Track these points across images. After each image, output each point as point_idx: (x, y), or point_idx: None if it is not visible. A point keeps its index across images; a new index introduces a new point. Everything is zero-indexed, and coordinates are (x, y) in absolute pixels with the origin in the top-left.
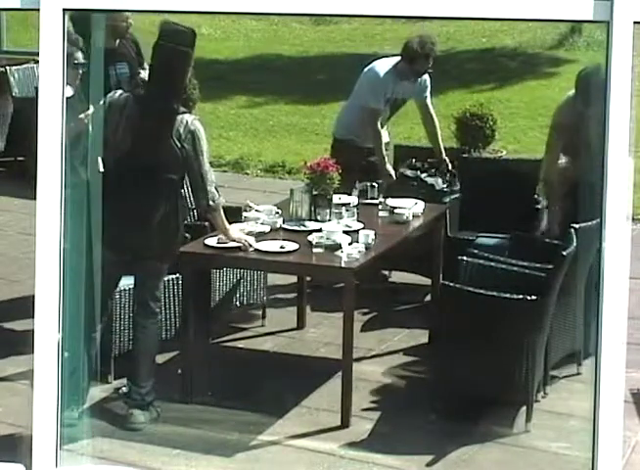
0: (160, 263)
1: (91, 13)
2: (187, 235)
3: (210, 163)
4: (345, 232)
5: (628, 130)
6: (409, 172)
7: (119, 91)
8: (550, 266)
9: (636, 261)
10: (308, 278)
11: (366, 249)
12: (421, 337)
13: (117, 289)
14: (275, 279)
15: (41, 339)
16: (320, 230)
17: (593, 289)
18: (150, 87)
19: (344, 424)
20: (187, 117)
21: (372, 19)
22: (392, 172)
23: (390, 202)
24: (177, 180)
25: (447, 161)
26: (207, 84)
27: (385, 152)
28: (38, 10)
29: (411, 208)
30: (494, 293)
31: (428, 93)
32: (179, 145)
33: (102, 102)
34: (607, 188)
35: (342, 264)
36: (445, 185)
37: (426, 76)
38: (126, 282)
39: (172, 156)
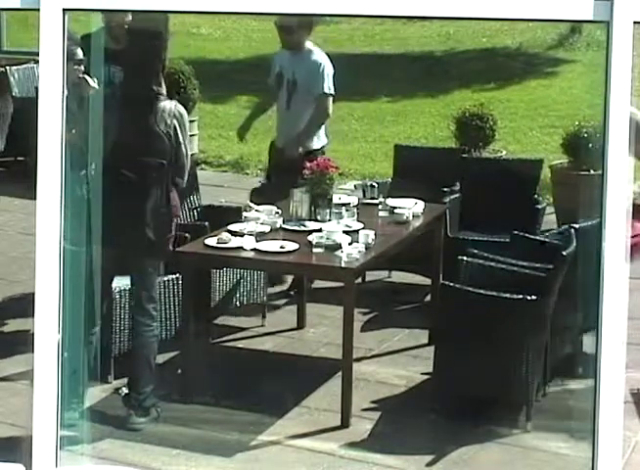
0: (152, 259)
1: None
2: (187, 235)
3: (210, 162)
4: (345, 232)
5: (628, 130)
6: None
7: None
8: (550, 266)
9: (636, 261)
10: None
11: (366, 249)
12: (421, 337)
13: (118, 289)
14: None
15: (41, 339)
16: (320, 230)
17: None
18: (127, 75)
19: (344, 424)
20: (170, 103)
21: (372, 19)
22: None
23: (390, 202)
24: (167, 168)
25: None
26: (207, 84)
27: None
28: (38, 10)
29: (411, 208)
30: (494, 293)
31: (325, 85)
32: (165, 131)
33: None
34: (607, 188)
35: (343, 264)
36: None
37: (321, 61)
38: (126, 282)
39: (160, 143)
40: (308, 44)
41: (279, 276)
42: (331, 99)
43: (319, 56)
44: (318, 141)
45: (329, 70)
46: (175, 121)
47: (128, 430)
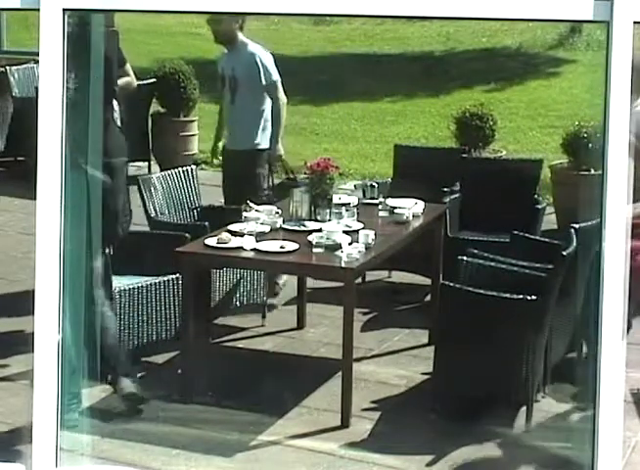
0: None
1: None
2: (187, 235)
3: (210, 162)
4: (345, 232)
5: (628, 130)
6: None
7: None
8: (550, 266)
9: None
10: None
11: (366, 249)
12: (421, 337)
13: (117, 289)
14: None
15: (41, 339)
16: (320, 230)
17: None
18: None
19: (344, 424)
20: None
21: (372, 19)
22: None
23: (390, 202)
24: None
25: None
26: (208, 84)
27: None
28: (38, 10)
29: (411, 208)
30: (494, 293)
31: (263, 75)
32: (119, 124)
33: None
34: (607, 188)
35: (343, 264)
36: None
37: (255, 51)
38: (127, 282)
39: (119, 140)
40: (243, 38)
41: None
42: (279, 86)
43: (253, 47)
44: (266, 140)
45: (265, 59)
46: (117, 115)
47: (124, 401)
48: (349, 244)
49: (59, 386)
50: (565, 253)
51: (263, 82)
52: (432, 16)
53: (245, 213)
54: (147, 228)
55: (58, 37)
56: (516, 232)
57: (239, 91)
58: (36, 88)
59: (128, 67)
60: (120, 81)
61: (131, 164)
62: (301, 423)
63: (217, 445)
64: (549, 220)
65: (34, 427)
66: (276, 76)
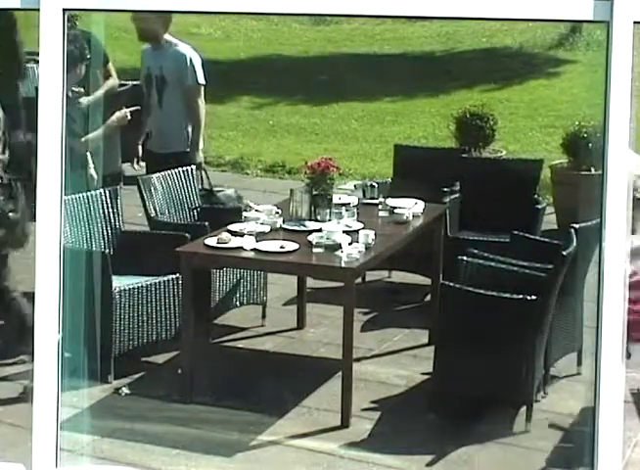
0: None
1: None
2: (187, 235)
3: (210, 162)
4: (345, 232)
5: (628, 130)
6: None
7: None
8: (550, 266)
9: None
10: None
11: (366, 249)
12: (421, 337)
13: (117, 289)
14: (275, 279)
15: (41, 339)
16: (320, 230)
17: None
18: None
19: (344, 424)
20: None
21: (372, 19)
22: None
23: (390, 202)
24: None
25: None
26: (208, 84)
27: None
28: (38, 10)
29: (411, 208)
30: (494, 293)
31: (190, 76)
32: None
33: None
34: (607, 188)
35: (343, 264)
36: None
37: (186, 52)
38: (126, 282)
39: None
40: (169, 38)
41: None
42: (201, 89)
43: (183, 48)
44: (182, 142)
45: (196, 60)
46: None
47: None
48: (349, 244)
49: (59, 386)
50: (565, 253)
51: (190, 82)
52: (432, 16)
53: (245, 213)
54: (147, 228)
55: (58, 37)
56: (516, 232)
57: (166, 92)
58: (36, 88)
59: (110, 66)
60: (105, 85)
61: (131, 164)
62: (301, 423)
63: (217, 445)
64: (549, 220)
65: (34, 427)
66: (202, 80)
